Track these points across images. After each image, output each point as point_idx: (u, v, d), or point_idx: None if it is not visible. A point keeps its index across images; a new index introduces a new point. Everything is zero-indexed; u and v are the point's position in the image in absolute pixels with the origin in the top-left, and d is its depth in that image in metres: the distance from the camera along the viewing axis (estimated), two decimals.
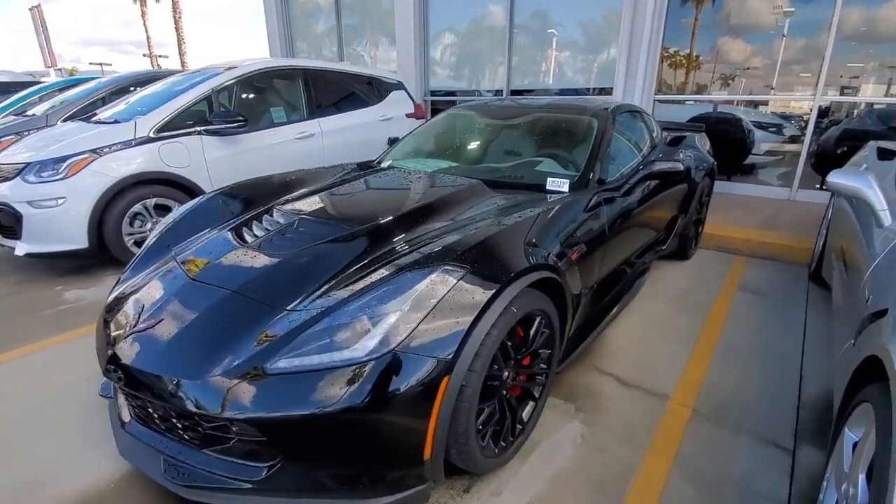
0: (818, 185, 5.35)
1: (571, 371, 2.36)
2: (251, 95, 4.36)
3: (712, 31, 6.07)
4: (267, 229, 2.02)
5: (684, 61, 6.93)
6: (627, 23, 5.62)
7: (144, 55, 31.31)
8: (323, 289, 1.57)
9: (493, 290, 1.50)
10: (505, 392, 1.74)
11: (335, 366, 1.32)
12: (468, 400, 1.46)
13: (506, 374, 1.71)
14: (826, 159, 5.48)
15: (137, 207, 3.64)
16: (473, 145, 2.97)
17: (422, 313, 1.39)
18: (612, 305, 2.64)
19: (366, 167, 3.00)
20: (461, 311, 1.43)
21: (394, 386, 1.31)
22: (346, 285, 1.55)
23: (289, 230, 1.96)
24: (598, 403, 2.15)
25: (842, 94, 5.36)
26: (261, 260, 1.78)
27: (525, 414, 1.88)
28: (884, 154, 2.92)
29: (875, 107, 5.87)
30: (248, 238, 1.97)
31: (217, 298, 1.63)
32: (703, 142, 3.97)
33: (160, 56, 31.62)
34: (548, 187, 2.34)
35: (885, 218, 1.88)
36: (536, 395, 1.92)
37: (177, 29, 26.73)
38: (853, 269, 2.18)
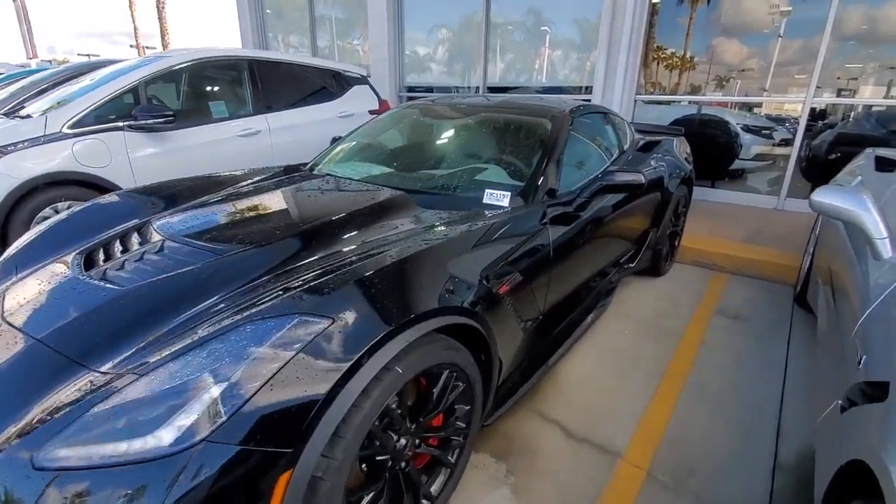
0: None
1: (509, 417, 1.99)
2: (187, 88, 3.95)
3: (701, 30, 5.74)
4: (126, 252, 1.64)
5: (669, 60, 6.59)
6: (607, 18, 5.26)
7: (131, 46, 30.67)
8: (148, 342, 1.19)
9: (365, 348, 1.13)
10: (404, 464, 1.37)
11: (118, 462, 0.94)
12: (326, 497, 1.09)
13: (401, 443, 1.34)
14: (817, 165, 5.16)
15: (47, 212, 3.24)
16: (414, 149, 2.59)
17: (256, 384, 1.02)
18: (566, 335, 2.28)
19: (291, 171, 2.61)
20: (314, 379, 1.06)
21: (201, 493, 0.93)
22: (173, 339, 1.17)
23: (149, 255, 1.57)
24: (535, 463, 1.78)
25: (838, 95, 5.02)
26: (93, 296, 1.39)
27: (435, 487, 1.52)
28: (883, 164, 2.57)
29: (873, 109, 5.56)
30: (98, 264, 1.58)
31: (17, 349, 1.24)
32: (681, 147, 3.62)
33: (147, 47, 30.96)
34: (485, 200, 1.97)
35: (885, 249, 1.52)
36: (452, 459, 1.56)
37: (160, 19, 26.11)
38: (842, 302, 1.82)
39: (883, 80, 4.94)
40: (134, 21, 30.22)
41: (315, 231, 1.67)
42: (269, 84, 4.29)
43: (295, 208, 1.92)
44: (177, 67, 3.81)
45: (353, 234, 1.66)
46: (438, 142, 2.57)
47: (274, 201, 1.97)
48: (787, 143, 6.46)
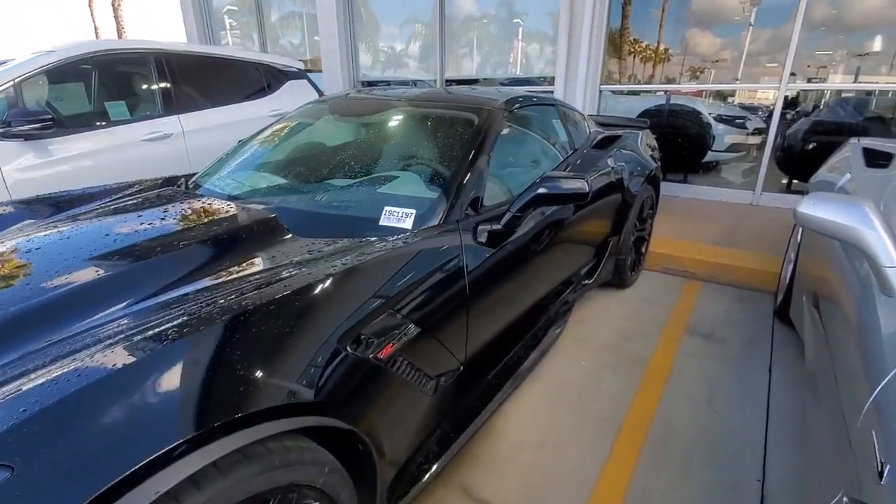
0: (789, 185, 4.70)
1: (425, 496, 1.55)
2: (78, 86, 3.41)
3: (672, 19, 5.37)
4: None
5: (638, 49, 6.22)
6: (566, 4, 4.83)
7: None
8: None
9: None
10: None
11: None
12: None
13: None
14: (793, 156, 4.84)
15: None
16: (314, 155, 2.11)
17: None
18: (506, 379, 1.85)
19: (171, 183, 2.13)
20: None
21: None
22: None
23: None
24: None
25: (808, 82, 4.70)
26: None
27: None
28: (873, 158, 2.19)
29: (847, 96, 5.27)
30: None
31: None
32: (645, 141, 3.21)
33: None
34: (382, 222, 1.52)
35: None
36: None
37: (116, 18, 24.91)
38: (839, 343, 1.42)
39: (854, 67, 4.64)
40: (94, 19, 28.93)
41: (127, 276, 1.19)
42: (183, 80, 3.76)
43: (127, 240, 1.43)
44: (65, 63, 3.26)
45: (185, 278, 1.19)
46: (344, 145, 2.10)
47: (90, 235, 1.47)
48: (760, 132, 6.16)
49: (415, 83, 6.91)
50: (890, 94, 4.89)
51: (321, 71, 7.21)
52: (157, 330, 0.91)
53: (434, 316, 1.36)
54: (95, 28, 29.98)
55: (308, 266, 1.21)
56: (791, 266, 2.58)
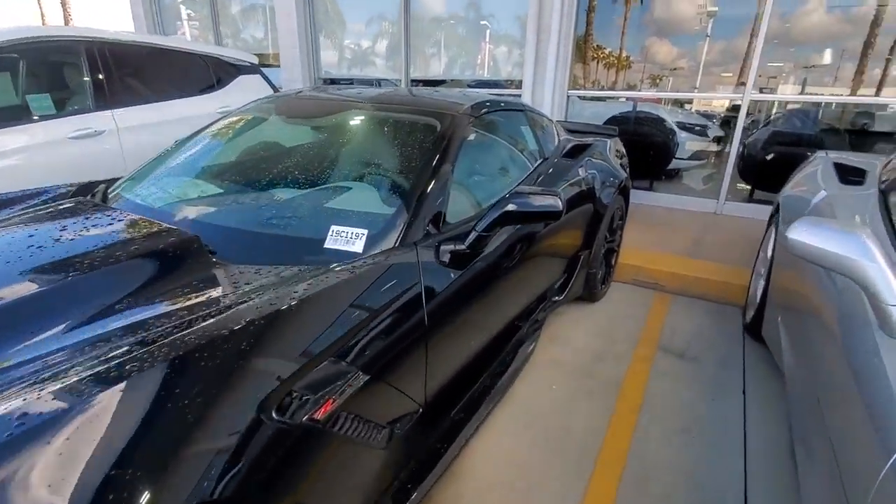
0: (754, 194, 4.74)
1: None
2: (3, 77, 3.01)
3: (637, 24, 5.37)
4: None
5: (602, 53, 6.21)
6: (534, 8, 4.72)
7: None
8: None
9: None
10: None
11: None
12: None
13: None
14: (753, 165, 4.89)
15: None
16: (255, 161, 1.87)
17: None
18: (472, 412, 1.67)
19: (88, 191, 1.84)
20: None
21: None
22: None
23: None
24: None
25: (760, 92, 4.76)
26: None
27: None
28: (845, 174, 2.13)
29: (802, 107, 5.40)
30: None
31: None
32: (615, 150, 3.11)
33: None
34: (328, 244, 1.31)
35: None
36: None
37: (63, 5, 23.40)
38: (827, 385, 1.32)
39: (814, 79, 4.75)
40: (41, 9, 27.17)
41: None
42: (119, 72, 3.41)
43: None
44: None
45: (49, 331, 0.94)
46: (289, 151, 1.87)
47: None
48: (719, 140, 6.27)
49: (379, 82, 6.66)
50: (834, 106, 5.04)
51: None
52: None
53: (386, 356, 1.16)
54: (42, 16, 28.15)
55: (224, 308, 0.98)
56: (762, 281, 2.52)
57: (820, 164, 2.46)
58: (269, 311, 0.95)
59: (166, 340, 0.84)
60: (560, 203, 1.46)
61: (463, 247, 1.47)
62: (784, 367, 1.83)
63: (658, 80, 6.18)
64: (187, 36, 8.44)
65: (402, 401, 1.27)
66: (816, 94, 4.94)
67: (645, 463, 1.75)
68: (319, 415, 0.95)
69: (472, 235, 1.48)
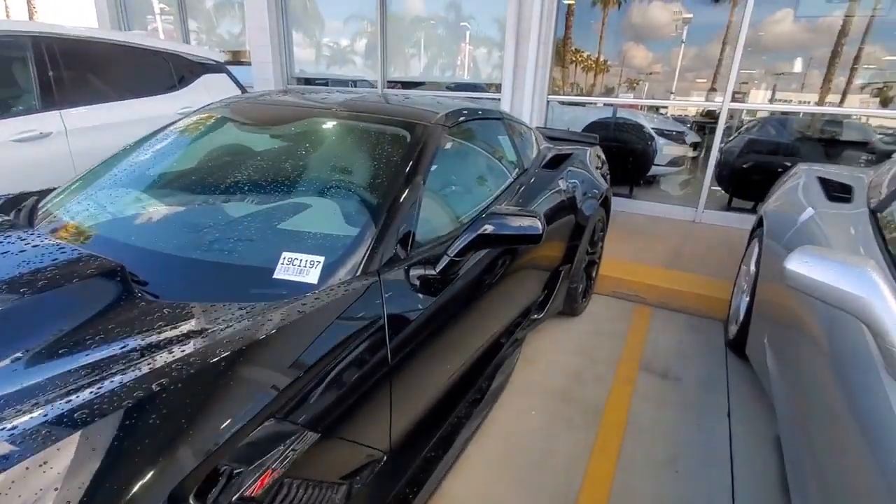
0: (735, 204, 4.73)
1: None
2: None
3: (614, 33, 5.33)
4: None
5: (581, 57, 6.17)
6: (514, 10, 4.62)
7: None
8: None
9: None
10: None
11: None
12: None
13: None
14: (730, 173, 4.88)
15: None
16: (203, 173, 1.69)
17: None
18: (446, 448, 1.53)
19: (15, 204, 1.64)
20: None
21: None
22: None
23: None
24: None
25: (734, 99, 4.78)
26: None
27: None
28: (831, 189, 2.07)
29: (778, 116, 5.45)
30: None
31: None
32: (595, 158, 3.02)
33: None
34: (277, 274, 1.15)
35: None
36: None
37: (28, 1, 22.44)
38: (828, 418, 1.22)
39: (785, 86, 4.78)
40: (6, 3, 26.03)
41: None
42: (69, 70, 3.16)
43: None
44: None
45: None
46: (242, 163, 1.70)
47: None
48: (696, 146, 6.29)
49: (355, 83, 6.48)
50: (802, 115, 5.09)
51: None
52: None
53: (341, 407, 1.01)
54: (7, 11, 26.96)
55: (130, 366, 0.82)
56: (746, 297, 2.45)
57: (802, 178, 2.41)
58: (189, 371, 0.79)
59: (38, 416, 0.68)
60: (540, 225, 1.33)
61: (434, 272, 1.34)
62: (773, 394, 1.75)
63: (636, 85, 6.16)
64: (160, 32, 8.10)
65: (362, 452, 1.12)
66: (797, 104, 4.98)
67: (630, 499, 1.64)
68: (255, 490, 0.79)
69: (445, 261, 1.34)
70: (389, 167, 1.49)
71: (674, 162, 5.97)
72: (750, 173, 4.93)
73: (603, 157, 3.26)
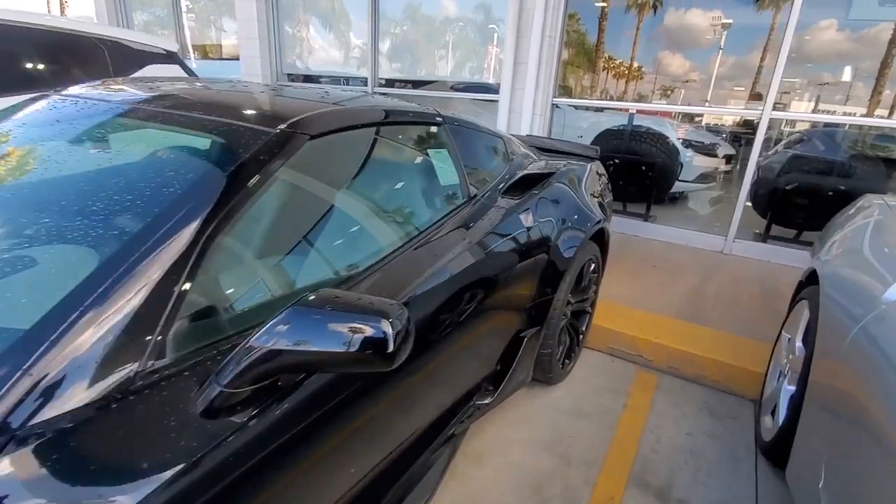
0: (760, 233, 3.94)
1: None
2: None
3: (642, 30, 4.66)
4: None
5: (595, 57, 5.47)
6: (514, 4, 3.95)
7: None
8: None
9: None
10: None
11: None
12: None
13: None
14: (769, 195, 4.10)
15: None
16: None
17: None
18: None
19: None
20: None
21: None
22: None
23: None
24: None
25: (776, 108, 4.01)
26: None
27: None
28: None
29: (827, 127, 4.64)
30: None
31: None
32: (590, 180, 2.33)
33: None
34: None
35: None
36: None
37: None
38: None
39: (830, 97, 4.01)
40: None
41: None
42: None
43: None
44: None
45: None
46: (37, 179, 1.09)
47: None
48: (730, 159, 5.49)
49: (347, 80, 5.93)
50: (850, 127, 4.27)
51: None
52: None
53: None
54: None
55: None
56: (789, 385, 1.74)
57: (876, 216, 1.68)
58: None
59: None
60: (389, 336, 0.69)
61: (217, 392, 0.71)
62: None
63: (670, 92, 5.48)
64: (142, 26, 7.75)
65: None
66: (850, 116, 4.19)
67: None
68: None
69: (214, 392, 0.71)
70: (178, 203, 0.86)
71: (703, 177, 5.19)
72: (793, 196, 4.13)
73: (605, 176, 2.57)
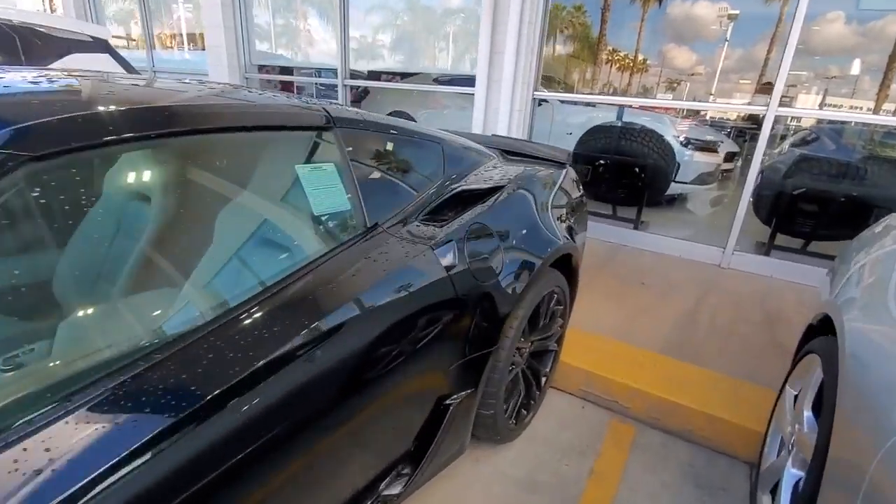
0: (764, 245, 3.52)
1: None
2: None
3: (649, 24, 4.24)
4: None
5: (585, 47, 5.06)
6: None
7: None
8: None
9: None
10: None
11: None
12: None
13: None
14: (774, 200, 3.68)
15: None
16: None
17: None
18: None
19: None
20: None
21: None
22: None
23: None
24: None
25: (782, 104, 3.59)
26: None
27: None
28: None
29: (838, 125, 4.22)
30: None
31: None
32: (555, 192, 1.92)
33: None
34: None
35: None
36: None
37: None
38: None
39: (841, 90, 3.59)
40: None
41: None
42: None
43: None
44: None
45: None
46: None
47: None
48: (733, 157, 5.06)
49: (319, 72, 5.51)
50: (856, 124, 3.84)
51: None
52: None
53: None
54: None
55: None
56: (798, 472, 1.34)
57: None
58: None
59: None
60: None
61: None
62: None
63: (675, 85, 5.07)
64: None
65: None
66: (865, 114, 3.77)
67: None
68: None
69: None
70: None
71: (703, 178, 4.77)
72: (800, 201, 3.71)
73: (578, 185, 2.16)
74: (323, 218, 1.08)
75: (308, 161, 1.12)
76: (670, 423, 1.94)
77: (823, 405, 1.22)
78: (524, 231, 1.60)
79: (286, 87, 6.06)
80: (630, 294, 2.83)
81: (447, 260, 1.24)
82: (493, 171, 1.77)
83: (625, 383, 2.00)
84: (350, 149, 1.21)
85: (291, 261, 0.99)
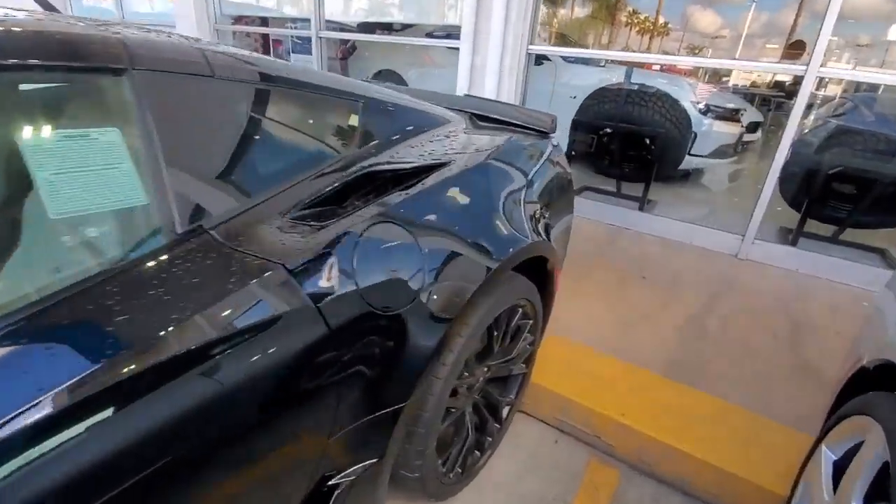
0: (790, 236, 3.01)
1: None
2: None
3: None
4: None
5: (603, 6, 4.45)
6: None
7: None
8: None
9: None
10: None
11: None
12: None
13: None
14: (805, 180, 3.15)
15: None
16: None
17: None
18: None
19: None
20: None
21: None
22: None
23: None
24: None
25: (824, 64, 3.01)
26: None
27: None
28: None
29: (878, 93, 3.66)
30: None
31: None
32: (531, 172, 1.45)
33: None
34: None
35: None
36: None
37: None
38: None
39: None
40: None
41: None
42: None
43: None
44: None
45: None
46: None
47: None
48: (757, 127, 4.48)
49: (294, 22, 4.93)
50: None
51: None
52: None
53: None
54: None
55: None
56: None
57: None
58: None
59: None
60: None
61: None
62: None
63: (698, 51, 4.48)
64: None
65: None
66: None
67: None
68: None
69: None
70: None
71: (721, 151, 4.22)
72: (835, 181, 3.17)
73: (561, 160, 1.68)
74: (80, 220, 0.64)
75: (63, 125, 0.66)
76: (662, 469, 1.52)
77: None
78: (470, 226, 1.14)
79: (265, 41, 5.51)
80: (627, 292, 2.38)
81: (316, 280, 0.80)
82: (441, 142, 1.30)
83: (610, 416, 1.58)
84: (165, 105, 0.75)
85: (13, 294, 0.56)
